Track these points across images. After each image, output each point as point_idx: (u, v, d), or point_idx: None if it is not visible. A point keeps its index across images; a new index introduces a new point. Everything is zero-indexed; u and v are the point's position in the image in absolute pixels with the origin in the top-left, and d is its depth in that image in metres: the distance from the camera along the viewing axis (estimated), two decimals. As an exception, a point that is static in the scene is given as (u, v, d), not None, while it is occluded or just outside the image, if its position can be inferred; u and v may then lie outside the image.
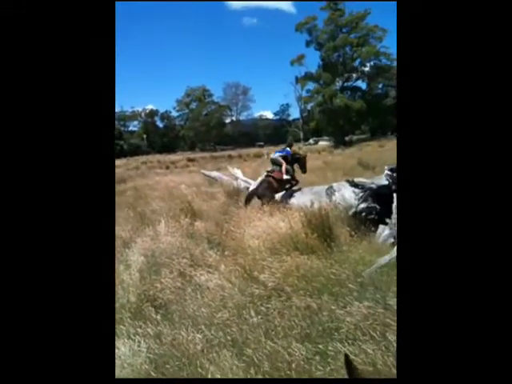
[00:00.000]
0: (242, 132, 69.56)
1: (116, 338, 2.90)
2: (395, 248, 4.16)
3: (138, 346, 2.85)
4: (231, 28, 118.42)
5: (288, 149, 8.16)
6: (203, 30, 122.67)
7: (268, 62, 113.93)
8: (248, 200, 7.24)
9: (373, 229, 5.09)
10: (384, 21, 77.39)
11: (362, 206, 5.50)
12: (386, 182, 5.30)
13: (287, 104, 72.72)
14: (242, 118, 73.83)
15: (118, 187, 12.78)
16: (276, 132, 67.61)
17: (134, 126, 71.67)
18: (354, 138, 52.88)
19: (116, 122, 56.67)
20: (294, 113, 78.83)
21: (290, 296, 3.38)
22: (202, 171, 14.03)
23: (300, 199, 6.73)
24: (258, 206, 6.73)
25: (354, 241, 4.68)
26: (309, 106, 57.48)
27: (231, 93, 71.02)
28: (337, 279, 3.58)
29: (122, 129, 65.82)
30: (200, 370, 2.53)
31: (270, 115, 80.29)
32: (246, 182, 9.39)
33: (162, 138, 68.54)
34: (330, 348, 2.58)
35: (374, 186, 5.46)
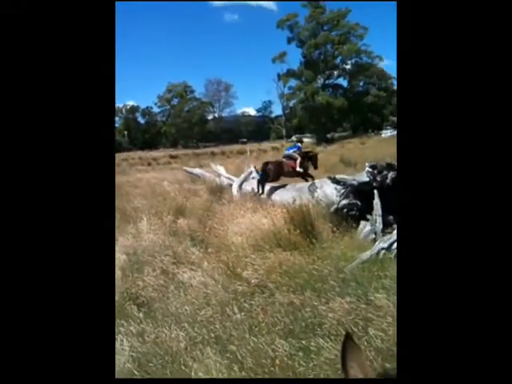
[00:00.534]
0: (224, 129, 69.25)
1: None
2: (376, 244, 4.23)
3: (121, 345, 2.82)
4: (212, 24, 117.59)
5: (299, 144, 8.85)
6: (184, 25, 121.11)
7: (250, 58, 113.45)
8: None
9: (354, 225, 5.15)
10: (364, 19, 78.21)
11: (344, 202, 5.56)
12: (367, 179, 5.37)
13: (269, 101, 72.59)
14: (224, 114, 73.49)
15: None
16: (259, 129, 67.56)
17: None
18: (336, 135, 53.35)
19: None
20: (277, 110, 79.15)
21: (273, 292, 3.41)
22: (185, 168, 13.96)
23: (283, 196, 6.76)
24: (241, 202, 6.74)
25: (335, 237, 4.74)
26: (291, 103, 57.75)
27: (213, 89, 70.60)
28: (319, 275, 3.62)
29: (102, 125, 64.46)
30: (183, 367, 2.52)
31: (252, 112, 79.99)
32: (228, 178, 9.38)
33: (144, 135, 67.68)
34: (312, 344, 2.61)
35: (355, 182, 5.52)
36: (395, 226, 4.88)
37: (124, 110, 69.33)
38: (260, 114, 75.55)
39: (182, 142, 64.18)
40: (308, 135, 54.63)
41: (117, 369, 2.57)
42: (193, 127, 63.95)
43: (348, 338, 0.81)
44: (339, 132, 56.31)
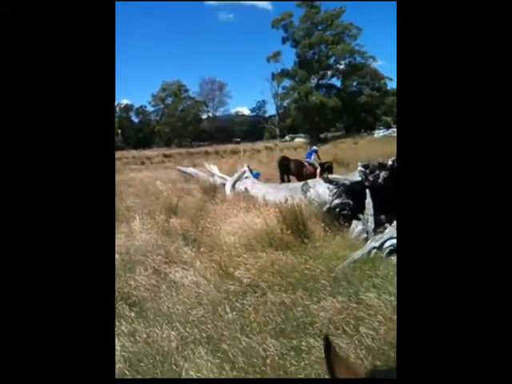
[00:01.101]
0: (218, 128, 69.17)
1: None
2: (368, 243, 4.26)
3: (112, 345, 2.81)
4: (207, 23, 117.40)
5: (315, 147, 10.11)
6: (179, 25, 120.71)
7: (244, 58, 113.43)
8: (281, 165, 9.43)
9: (346, 224, 5.18)
10: (358, 19, 78.47)
11: (336, 201, 5.59)
12: (360, 179, 5.40)
13: (263, 100, 72.68)
14: (218, 114, 73.49)
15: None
16: (252, 128, 67.61)
17: (108, 121, 70.03)
18: (329, 135, 53.58)
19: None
20: (271, 109, 79.15)
21: (265, 292, 3.41)
22: (178, 167, 13.94)
23: (276, 195, 6.77)
24: (234, 202, 6.74)
25: (327, 236, 4.76)
26: (285, 103, 57.82)
27: (207, 88, 70.54)
28: (311, 274, 3.63)
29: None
30: (175, 367, 2.51)
31: (246, 111, 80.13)
32: (222, 178, 9.39)
33: (137, 134, 67.41)
34: (303, 343, 2.62)
35: (347, 182, 5.55)
36: (387, 225, 4.92)
37: (118, 109, 68.97)
38: (254, 113, 75.74)
39: (176, 141, 63.99)
40: (301, 135, 54.91)
41: (107, 368, 2.56)
42: (187, 126, 63.81)
43: (327, 341, 0.80)
44: (332, 132, 56.58)
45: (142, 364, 2.58)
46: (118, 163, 28.93)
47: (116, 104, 67.96)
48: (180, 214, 6.46)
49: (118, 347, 2.76)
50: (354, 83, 56.40)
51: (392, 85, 54.86)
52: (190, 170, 12.26)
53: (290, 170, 8.41)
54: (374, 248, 4.10)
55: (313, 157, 10.13)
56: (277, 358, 2.50)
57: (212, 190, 8.30)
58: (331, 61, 53.21)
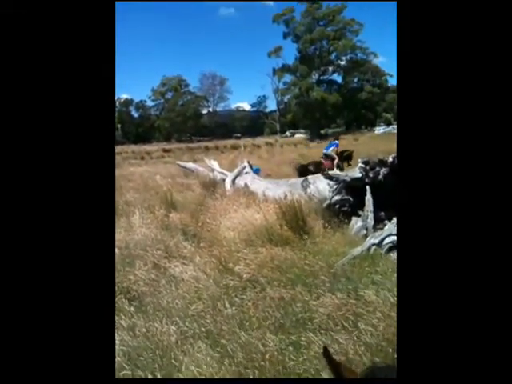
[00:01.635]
0: (218, 123, 69.07)
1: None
2: (367, 239, 4.26)
3: (111, 339, 2.81)
4: (208, 18, 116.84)
5: (336, 141, 10.14)
6: (180, 19, 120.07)
7: (245, 53, 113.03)
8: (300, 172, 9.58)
9: (346, 220, 5.18)
10: (360, 15, 78.15)
11: (336, 198, 5.59)
12: (360, 175, 5.40)
13: (264, 96, 72.58)
14: (218, 109, 73.35)
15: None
16: (253, 124, 67.51)
17: (107, 115, 69.93)
18: (330, 131, 53.44)
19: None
20: (271, 105, 79.06)
21: (264, 287, 3.42)
22: (178, 162, 13.92)
23: (276, 191, 6.76)
24: (234, 197, 6.73)
25: (327, 232, 4.76)
26: (286, 99, 57.72)
27: (208, 83, 70.34)
28: (310, 270, 3.64)
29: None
30: (174, 361, 2.52)
31: (247, 107, 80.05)
32: (222, 173, 9.37)
33: (137, 128, 67.27)
34: (302, 338, 2.63)
35: (347, 178, 5.55)
36: (386, 222, 4.92)
37: (118, 104, 68.77)
38: (254, 108, 75.61)
39: (176, 136, 63.87)
40: (302, 131, 54.80)
41: (107, 362, 2.57)
42: (187, 121, 63.71)
43: (325, 352, 0.81)
44: (333, 128, 56.43)
45: (141, 358, 2.59)
46: (117, 158, 28.88)
47: (116, 98, 67.85)
48: (179, 209, 6.46)
49: (117, 341, 2.76)
50: (355, 79, 56.32)
51: (393, 82, 54.98)
52: (190, 165, 12.24)
53: (309, 173, 8.67)
54: (374, 244, 4.11)
55: (331, 149, 10.39)
56: (276, 353, 2.51)
57: (212, 185, 8.29)
58: (332, 56, 53.09)
